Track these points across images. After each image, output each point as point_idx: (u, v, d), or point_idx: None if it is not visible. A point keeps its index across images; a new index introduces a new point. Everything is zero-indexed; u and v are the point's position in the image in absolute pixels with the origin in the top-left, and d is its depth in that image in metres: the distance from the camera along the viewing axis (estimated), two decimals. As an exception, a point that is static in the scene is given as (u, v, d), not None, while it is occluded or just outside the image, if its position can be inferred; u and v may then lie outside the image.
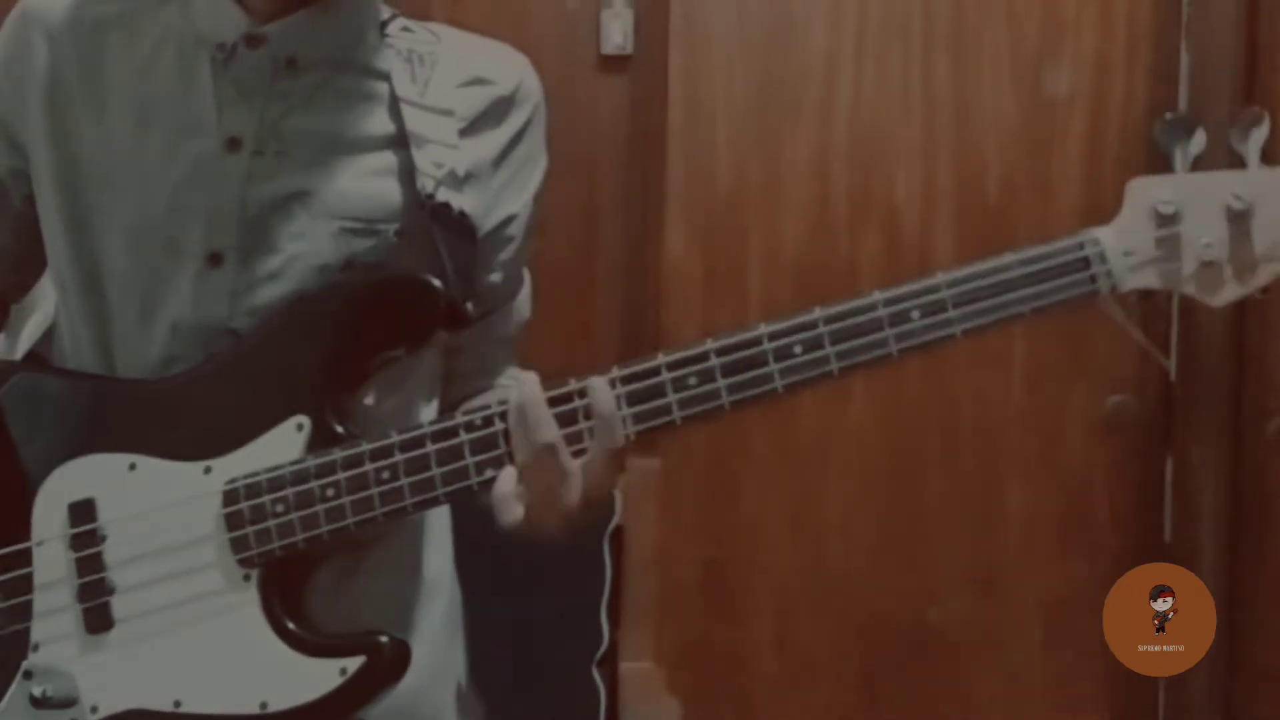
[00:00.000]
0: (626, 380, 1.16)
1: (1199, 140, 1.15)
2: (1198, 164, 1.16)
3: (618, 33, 2.49)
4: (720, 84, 2.52)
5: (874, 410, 2.55)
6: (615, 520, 2.04)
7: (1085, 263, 1.14)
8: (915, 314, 1.14)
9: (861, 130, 2.54)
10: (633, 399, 1.16)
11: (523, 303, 1.43)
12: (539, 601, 2.01)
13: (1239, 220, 1.12)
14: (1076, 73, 2.55)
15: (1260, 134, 1.13)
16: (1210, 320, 2.47)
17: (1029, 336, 2.53)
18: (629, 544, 2.05)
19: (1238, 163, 1.15)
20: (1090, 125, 2.55)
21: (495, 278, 1.36)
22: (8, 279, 1.42)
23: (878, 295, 1.15)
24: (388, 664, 1.19)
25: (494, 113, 1.34)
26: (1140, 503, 2.59)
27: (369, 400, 1.27)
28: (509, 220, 1.36)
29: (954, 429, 2.56)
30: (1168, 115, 1.17)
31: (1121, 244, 1.14)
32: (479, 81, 1.33)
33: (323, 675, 1.18)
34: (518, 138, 1.35)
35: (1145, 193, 1.14)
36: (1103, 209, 2.61)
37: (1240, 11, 2.49)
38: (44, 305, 2.03)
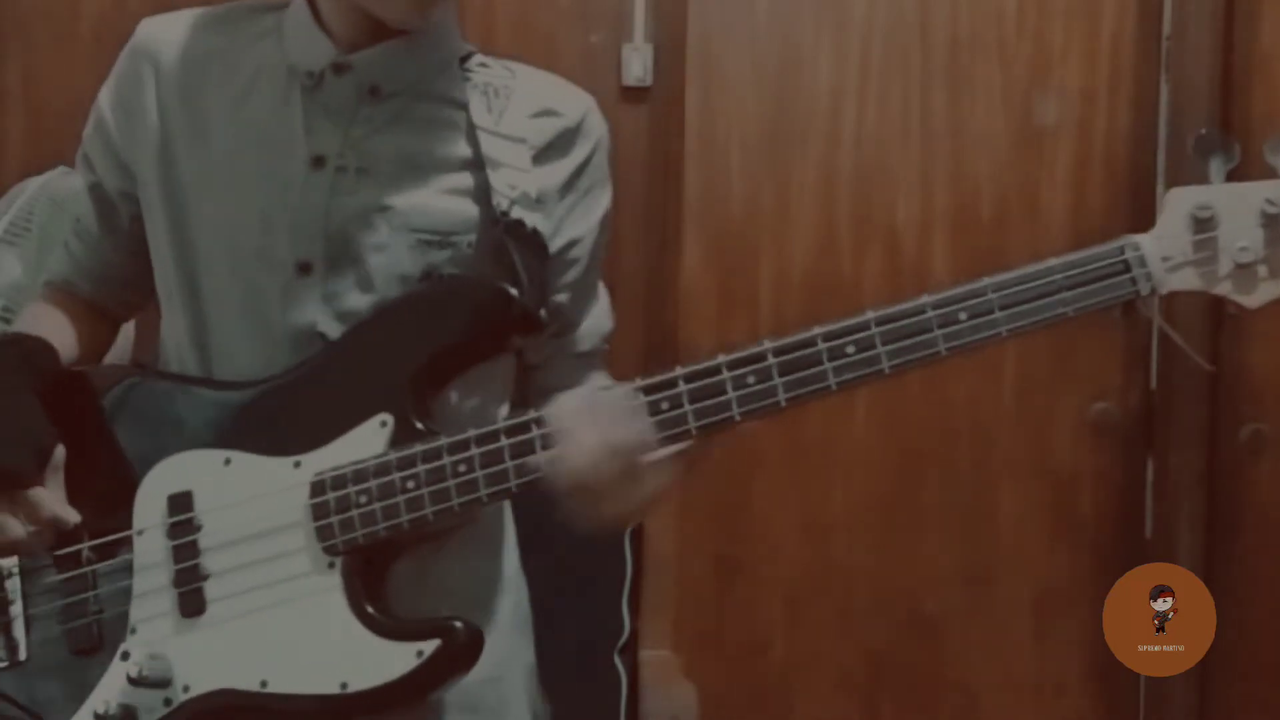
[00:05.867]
0: (690, 379, 1.16)
1: (1234, 153, 1.14)
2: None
3: (638, 66, 2.51)
4: (734, 114, 2.54)
5: (876, 416, 2.55)
6: (636, 518, 2.08)
7: (1126, 266, 1.13)
8: (963, 315, 1.14)
9: (864, 158, 2.55)
10: (694, 397, 1.16)
11: (602, 318, 1.42)
12: (565, 594, 1.95)
13: (1273, 224, 1.11)
14: (1063, 104, 2.56)
15: None
16: (1189, 333, 2.46)
17: (1019, 348, 2.53)
18: (649, 540, 2.06)
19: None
20: (1076, 152, 2.57)
21: (562, 298, 1.36)
22: (119, 297, 1.45)
23: (926, 299, 1.15)
24: (462, 648, 1.18)
25: (561, 143, 1.34)
26: (1122, 502, 2.61)
27: (450, 400, 1.28)
28: (573, 244, 1.35)
29: (950, 434, 2.57)
30: (1203, 130, 1.19)
31: (1160, 249, 1.13)
32: (548, 113, 1.34)
33: (401, 657, 1.17)
34: (583, 168, 1.35)
35: (1184, 200, 1.13)
36: (1089, 229, 2.68)
37: (1216, 45, 2.51)
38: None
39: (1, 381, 1.27)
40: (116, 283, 1.45)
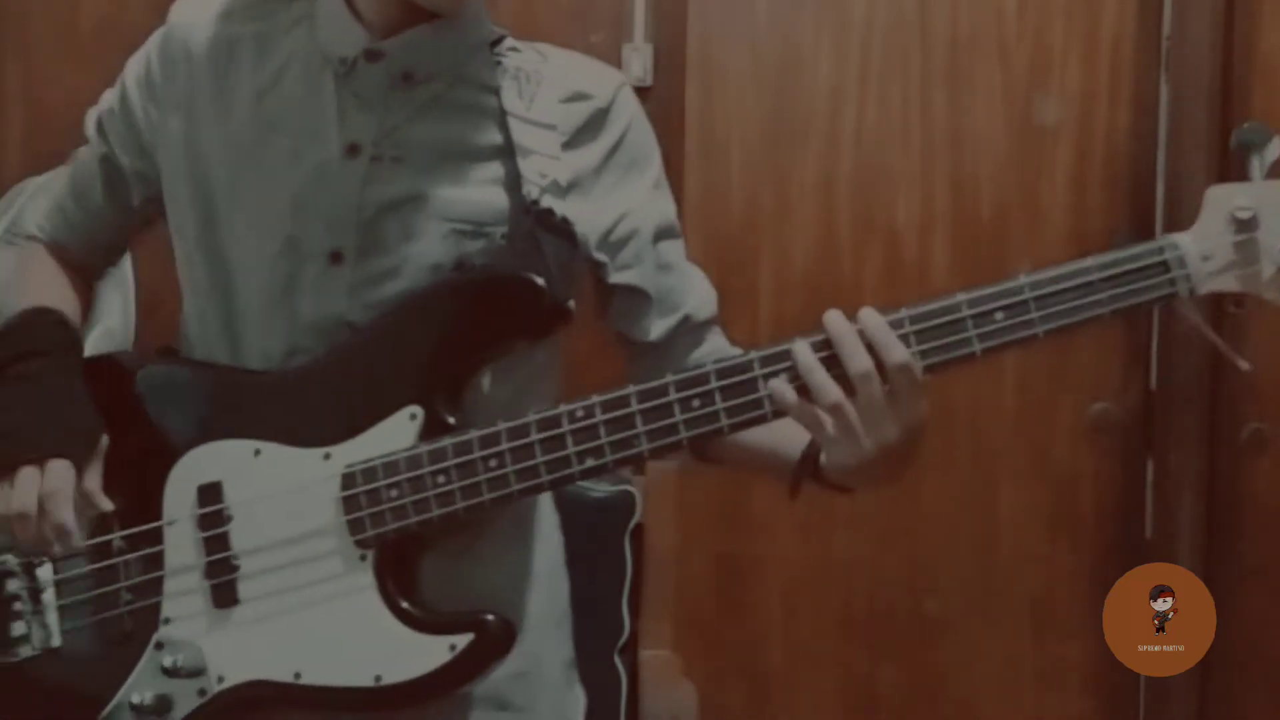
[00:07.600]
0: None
1: (1275, 147, 1.10)
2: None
3: (638, 65, 2.49)
4: (734, 114, 2.53)
5: (876, 416, 2.57)
6: (636, 518, 2.03)
7: (1165, 266, 1.09)
8: (999, 314, 1.11)
9: (865, 158, 2.55)
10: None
11: (706, 284, 1.41)
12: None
13: None
14: (1063, 104, 2.56)
15: None
16: (1188, 333, 2.50)
17: (1020, 349, 2.55)
18: (649, 540, 2.04)
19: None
20: (1076, 152, 2.56)
21: (630, 276, 1.34)
22: (104, 262, 1.48)
23: (961, 296, 1.12)
24: (494, 641, 1.19)
25: (592, 125, 1.33)
26: (1122, 502, 2.61)
27: (484, 390, 1.26)
28: (624, 217, 1.33)
29: (951, 434, 2.57)
30: (1245, 124, 1.12)
31: (1200, 248, 1.09)
32: (579, 96, 1.33)
33: (434, 651, 1.18)
34: (617, 145, 1.34)
35: (1224, 199, 1.09)
36: (1088, 230, 2.66)
37: (1216, 45, 2.51)
38: (105, 319, 2.06)
39: (54, 362, 1.29)
40: (106, 250, 1.47)
